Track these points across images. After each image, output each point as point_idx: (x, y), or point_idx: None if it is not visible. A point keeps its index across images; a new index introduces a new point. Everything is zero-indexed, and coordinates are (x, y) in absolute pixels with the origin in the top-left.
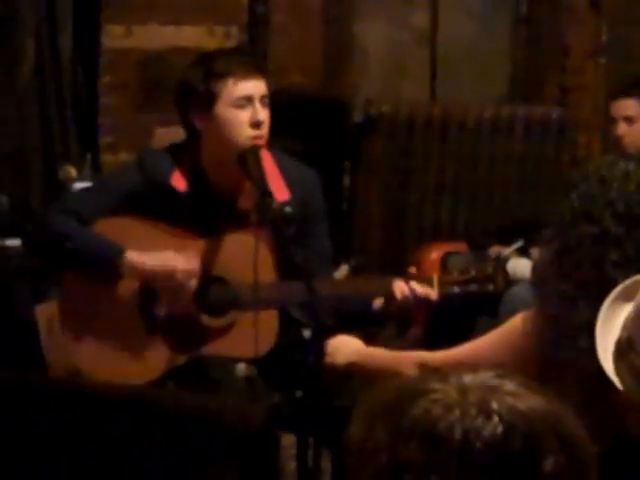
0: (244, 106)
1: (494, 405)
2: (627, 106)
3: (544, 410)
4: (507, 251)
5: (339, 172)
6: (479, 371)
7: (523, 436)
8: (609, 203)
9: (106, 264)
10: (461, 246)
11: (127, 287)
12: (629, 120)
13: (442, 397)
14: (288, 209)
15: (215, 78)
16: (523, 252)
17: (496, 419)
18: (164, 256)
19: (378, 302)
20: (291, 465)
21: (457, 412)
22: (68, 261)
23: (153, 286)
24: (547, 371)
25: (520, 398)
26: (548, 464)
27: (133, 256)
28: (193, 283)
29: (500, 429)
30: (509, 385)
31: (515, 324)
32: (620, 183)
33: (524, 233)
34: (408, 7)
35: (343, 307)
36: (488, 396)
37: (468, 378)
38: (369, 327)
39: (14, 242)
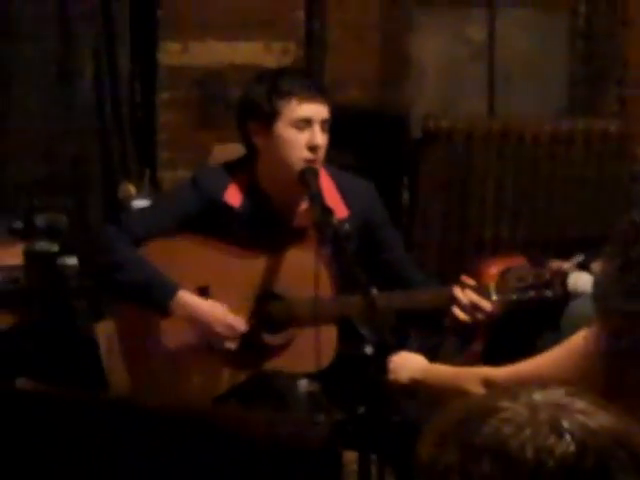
0: (303, 128)
1: (565, 424)
2: None
3: (615, 428)
4: (567, 265)
5: (397, 187)
6: (548, 389)
7: (595, 454)
8: None
9: (154, 302)
10: (520, 260)
11: None
12: None
13: (513, 416)
14: (346, 226)
15: (279, 96)
16: (583, 267)
17: (568, 438)
18: (214, 307)
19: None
20: None
21: (528, 431)
22: (117, 290)
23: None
24: (613, 389)
25: (591, 416)
26: None
27: (184, 298)
28: (234, 343)
29: (572, 448)
30: (580, 403)
31: (579, 342)
32: None
33: (584, 248)
34: (465, 21)
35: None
36: (559, 414)
37: (538, 396)
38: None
39: (73, 261)
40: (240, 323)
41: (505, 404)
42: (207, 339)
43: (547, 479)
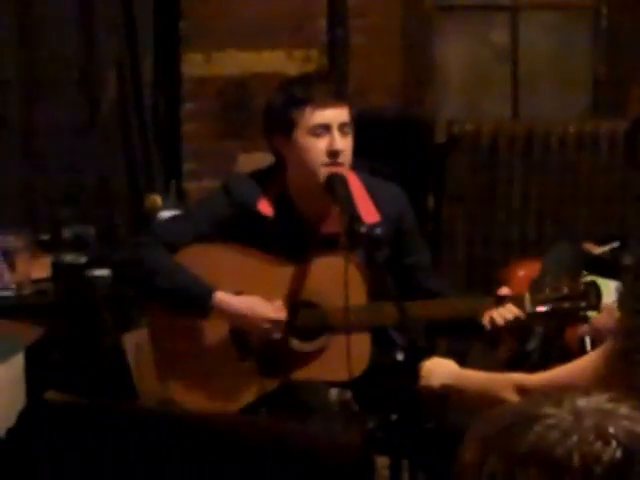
0: (322, 134)
1: (611, 429)
2: None
3: None
4: (600, 250)
5: (423, 192)
6: (592, 394)
7: None
8: None
9: (193, 305)
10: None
11: None
12: None
13: (558, 422)
14: (377, 231)
15: (294, 105)
16: (619, 252)
17: (614, 444)
18: (252, 302)
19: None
20: None
21: (575, 438)
22: (155, 297)
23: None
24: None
25: (636, 421)
26: None
27: (222, 298)
28: (279, 333)
29: (619, 454)
30: (624, 409)
31: (612, 347)
32: None
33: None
34: (488, 24)
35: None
36: (604, 420)
37: (582, 402)
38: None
39: (102, 272)
40: (282, 312)
41: (549, 411)
42: (250, 335)
43: None
